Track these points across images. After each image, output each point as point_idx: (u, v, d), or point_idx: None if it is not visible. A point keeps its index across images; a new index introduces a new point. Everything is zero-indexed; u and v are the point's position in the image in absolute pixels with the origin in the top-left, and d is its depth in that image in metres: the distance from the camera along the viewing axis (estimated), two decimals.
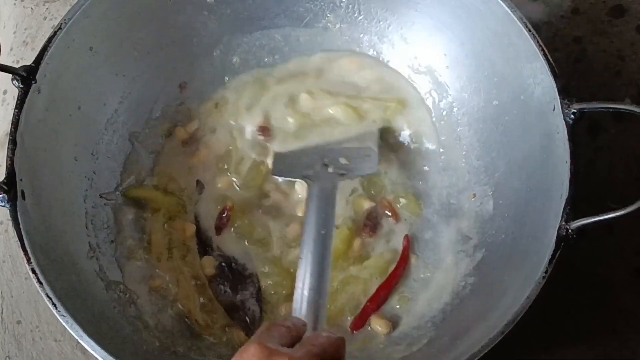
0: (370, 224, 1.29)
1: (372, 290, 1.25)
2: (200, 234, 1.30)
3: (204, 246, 1.29)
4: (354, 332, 1.22)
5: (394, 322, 1.22)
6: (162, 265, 1.26)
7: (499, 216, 1.22)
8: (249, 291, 1.25)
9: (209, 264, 1.27)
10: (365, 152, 1.31)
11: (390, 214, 1.30)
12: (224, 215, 1.29)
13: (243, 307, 1.24)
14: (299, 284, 1.10)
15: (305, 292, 1.08)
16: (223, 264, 1.27)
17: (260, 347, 0.85)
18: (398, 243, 1.28)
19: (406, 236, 1.28)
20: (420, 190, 1.33)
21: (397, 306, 1.24)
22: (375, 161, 1.29)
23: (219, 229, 1.30)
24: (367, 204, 1.30)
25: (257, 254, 1.28)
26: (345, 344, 0.93)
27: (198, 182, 1.33)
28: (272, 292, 1.25)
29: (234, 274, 1.27)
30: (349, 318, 1.23)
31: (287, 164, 1.31)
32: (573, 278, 1.24)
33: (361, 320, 1.23)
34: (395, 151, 1.35)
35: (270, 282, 1.26)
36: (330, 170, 1.26)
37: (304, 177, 1.26)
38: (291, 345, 0.90)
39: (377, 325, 1.22)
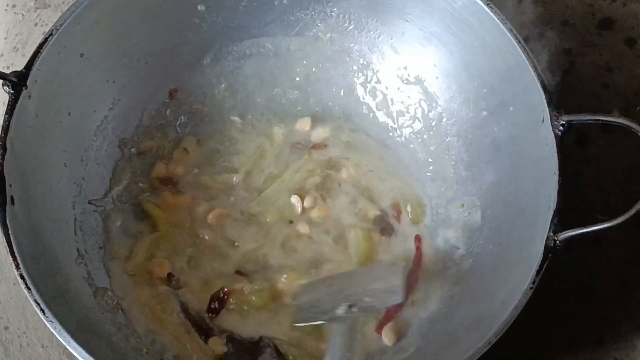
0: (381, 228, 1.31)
1: None
2: (189, 315, 1.26)
3: (199, 326, 1.25)
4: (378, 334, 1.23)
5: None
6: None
7: (486, 226, 1.23)
8: (267, 353, 1.23)
9: (218, 344, 1.23)
10: (391, 288, 1.21)
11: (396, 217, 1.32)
12: (222, 296, 1.26)
13: None
14: None
15: None
16: (232, 337, 1.25)
17: None
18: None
19: (417, 236, 1.29)
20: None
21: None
22: (401, 294, 1.19)
23: (216, 312, 1.26)
24: (373, 212, 1.32)
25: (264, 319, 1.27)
26: None
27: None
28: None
29: (244, 344, 1.24)
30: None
31: (310, 311, 1.22)
32: (560, 288, 1.25)
33: (385, 321, 1.24)
34: None
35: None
36: (354, 310, 1.19)
37: (329, 320, 1.20)
38: None
39: (388, 334, 1.22)
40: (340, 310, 1.17)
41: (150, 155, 1.36)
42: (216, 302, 1.25)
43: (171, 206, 1.33)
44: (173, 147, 1.38)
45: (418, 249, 1.28)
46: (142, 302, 1.23)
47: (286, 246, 1.30)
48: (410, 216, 1.32)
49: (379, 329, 1.23)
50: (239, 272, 1.28)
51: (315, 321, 1.22)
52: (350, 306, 1.17)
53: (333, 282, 1.24)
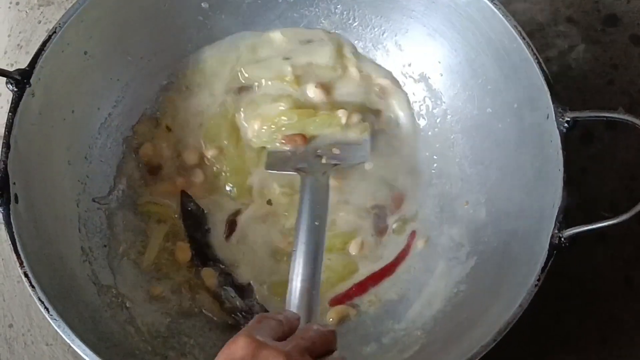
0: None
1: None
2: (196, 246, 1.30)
3: (201, 258, 1.28)
4: (330, 307, 1.25)
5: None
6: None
7: (491, 224, 1.22)
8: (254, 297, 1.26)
9: (210, 275, 1.26)
10: (358, 141, 1.31)
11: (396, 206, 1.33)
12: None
13: (251, 312, 1.25)
14: (292, 276, 1.10)
15: (299, 284, 1.09)
16: (225, 273, 1.27)
17: (249, 340, 0.84)
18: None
19: (413, 232, 1.30)
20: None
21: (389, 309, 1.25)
22: (367, 149, 1.31)
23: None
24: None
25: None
26: (336, 336, 0.93)
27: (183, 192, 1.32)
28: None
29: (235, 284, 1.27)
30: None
31: (279, 159, 1.30)
32: (564, 286, 1.25)
33: (341, 299, 1.25)
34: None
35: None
36: (323, 161, 1.27)
37: (297, 170, 1.26)
38: (283, 338, 0.89)
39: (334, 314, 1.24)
40: (310, 160, 1.24)
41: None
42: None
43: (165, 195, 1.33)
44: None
45: (409, 245, 1.29)
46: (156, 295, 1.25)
47: None
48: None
49: (334, 302, 1.25)
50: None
51: (285, 170, 1.27)
52: (318, 156, 1.24)
53: None
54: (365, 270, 1.28)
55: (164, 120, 1.35)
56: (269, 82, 1.36)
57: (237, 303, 1.25)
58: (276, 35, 1.37)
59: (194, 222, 1.30)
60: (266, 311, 1.24)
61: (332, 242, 1.26)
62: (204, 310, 1.24)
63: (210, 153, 1.33)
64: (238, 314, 1.24)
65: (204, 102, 1.36)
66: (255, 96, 1.36)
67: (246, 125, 1.34)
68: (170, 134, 1.35)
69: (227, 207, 1.32)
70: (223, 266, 1.28)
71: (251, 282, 1.27)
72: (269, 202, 1.31)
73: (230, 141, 1.34)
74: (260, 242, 1.29)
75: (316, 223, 1.15)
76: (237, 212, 1.31)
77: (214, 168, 1.33)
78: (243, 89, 1.36)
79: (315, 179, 1.22)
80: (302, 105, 1.35)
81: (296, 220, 1.17)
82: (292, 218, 1.27)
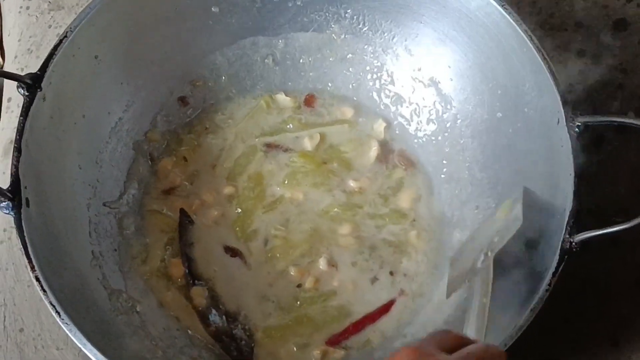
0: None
1: None
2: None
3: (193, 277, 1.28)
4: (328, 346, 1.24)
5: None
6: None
7: None
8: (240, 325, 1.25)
9: (199, 294, 1.26)
10: (511, 217, 1.19)
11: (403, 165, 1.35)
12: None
13: (234, 338, 1.24)
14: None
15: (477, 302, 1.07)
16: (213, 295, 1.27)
17: (414, 351, 0.83)
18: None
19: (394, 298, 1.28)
20: None
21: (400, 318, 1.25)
22: (520, 215, 1.16)
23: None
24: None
25: None
26: (506, 358, 0.90)
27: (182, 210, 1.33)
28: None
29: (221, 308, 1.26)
30: None
31: (458, 278, 1.21)
32: (575, 288, 1.25)
33: (336, 341, 1.25)
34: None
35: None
36: (490, 254, 1.15)
37: (472, 277, 1.18)
38: (451, 352, 0.86)
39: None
40: (479, 262, 1.16)
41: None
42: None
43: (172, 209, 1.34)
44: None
45: (389, 304, 1.28)
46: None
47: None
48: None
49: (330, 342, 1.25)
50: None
51: (464, 284, 1.19)
52: (486, 254, 1.15)
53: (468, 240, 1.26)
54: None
55: (182, 153, 1.38)
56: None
57: (222, 326, 1.24)
58: None
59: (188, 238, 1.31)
60: (252, 341, 1.25)
61: None
62: (188, 331, 1.24)
63: (226, 190, 1.35)
64: (223, 337, 1.24)
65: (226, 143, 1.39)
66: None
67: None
68: (187, 164, 1.37)
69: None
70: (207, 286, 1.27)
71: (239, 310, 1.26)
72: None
73: (249, 183, 1.36)
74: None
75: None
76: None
77: (227, 205, 1.34)
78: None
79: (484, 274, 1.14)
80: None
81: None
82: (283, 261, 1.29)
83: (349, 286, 1.28)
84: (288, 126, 1.40)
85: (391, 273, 1.29)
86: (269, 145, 1.38)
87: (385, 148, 1.38)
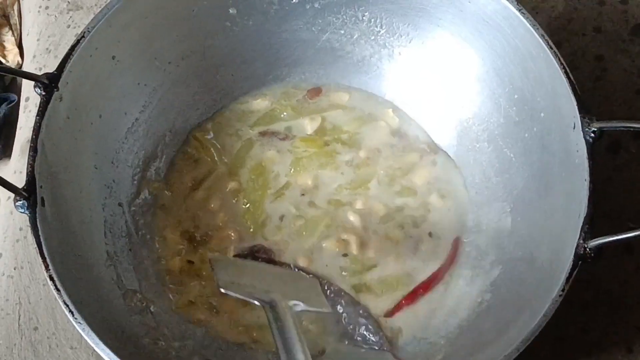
0: None
1: None
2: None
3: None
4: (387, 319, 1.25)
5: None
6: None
7: (516, 233, 1.22)
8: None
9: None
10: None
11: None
12: None
13: None
14: None
15: None
16: None
17: None
18: None
19: (456, 239, 1.30)
20: None
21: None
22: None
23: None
24: None
25: None
26: None
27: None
28: None
29: None
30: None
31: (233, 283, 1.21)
32: (590, 296, 1.24)
33: (393, 312, 1.25)
34: None
35: None
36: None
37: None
38: None
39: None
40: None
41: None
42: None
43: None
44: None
45: (453, 253, 1.29)
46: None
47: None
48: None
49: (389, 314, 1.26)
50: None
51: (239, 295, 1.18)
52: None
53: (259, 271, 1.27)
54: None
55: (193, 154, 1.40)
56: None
57: None
58: None
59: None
60: None
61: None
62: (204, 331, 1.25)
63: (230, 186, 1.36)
64: None
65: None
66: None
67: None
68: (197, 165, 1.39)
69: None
70: None
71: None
72: None
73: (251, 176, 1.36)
74: None
75: None
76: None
77: (234, 200, 1.35)
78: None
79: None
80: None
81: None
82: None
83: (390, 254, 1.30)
84: (282, 115, 1.41)
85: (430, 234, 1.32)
86: (263, 133, 1.39)
87: (399, 133, 1.39)
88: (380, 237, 1.30)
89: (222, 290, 1.15)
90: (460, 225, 1.32)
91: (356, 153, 1.37)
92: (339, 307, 1.24)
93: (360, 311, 1.24)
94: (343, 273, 1.27)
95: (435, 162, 1.36)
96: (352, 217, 1.31)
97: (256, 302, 1.15)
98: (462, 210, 1.33)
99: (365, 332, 1.22)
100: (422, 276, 1.28)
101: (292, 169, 1.35)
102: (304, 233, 1.30)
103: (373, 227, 1.31)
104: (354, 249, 1.28)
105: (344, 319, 1.23)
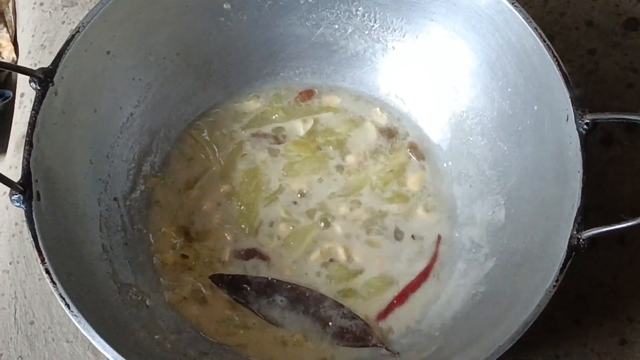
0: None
1: None
2: None
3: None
4: (378, 322, 1.25)
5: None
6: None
7: (510, 225, 1.22)
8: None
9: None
10: None
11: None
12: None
13: None
14: None
15: None
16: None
17: None
18: None
19: (439, 236, 1.30)
20: None
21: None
22: None
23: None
24: None
25: None
26: None
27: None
28: None
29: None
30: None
31: None
32: (582, 287, 1.25)
33: (384, 314, 1.26)
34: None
35: None
36: None
37: None
38: None
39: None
40: None
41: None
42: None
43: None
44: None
45: (436, 251, 1.30)
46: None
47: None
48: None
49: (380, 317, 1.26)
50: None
51: None
52: None
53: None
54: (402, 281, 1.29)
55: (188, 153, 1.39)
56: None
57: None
58: None
59: None
60: None
61: None
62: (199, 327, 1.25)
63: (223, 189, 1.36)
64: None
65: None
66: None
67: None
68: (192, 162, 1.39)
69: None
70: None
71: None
72: None
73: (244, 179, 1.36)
74: None
75: None
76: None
77: (228, 202, 1.35)
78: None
79: None
80: None
81: None
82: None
83: (375, 259, 1.31)
84: (274, 116, 1.41)
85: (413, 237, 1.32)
86: (256, 135, 1.39)
87: (388, 132, 1.39)
88: (363, 243, 1.31)
89: None
90: (443, 224, 1.33)
91: (348, 158, 1.37)
92: (322, 311, 1.25)
93: (344, 312, 1.25)
94: (329, 281, 1.28)
95: (424, 168, 1.37)
96: (339, 225, 1.32)
97: None
98: (447, 211, 1.34)
99: (354, 330, 1.23)
100: (409, 277, 1.28)
101: (285, 173, 1.36)
102: (291, 243, 1.30)
103: (356, 232, 1.32)
104: (340, 256, 1.29)
105: (329, 324, 1.24)
